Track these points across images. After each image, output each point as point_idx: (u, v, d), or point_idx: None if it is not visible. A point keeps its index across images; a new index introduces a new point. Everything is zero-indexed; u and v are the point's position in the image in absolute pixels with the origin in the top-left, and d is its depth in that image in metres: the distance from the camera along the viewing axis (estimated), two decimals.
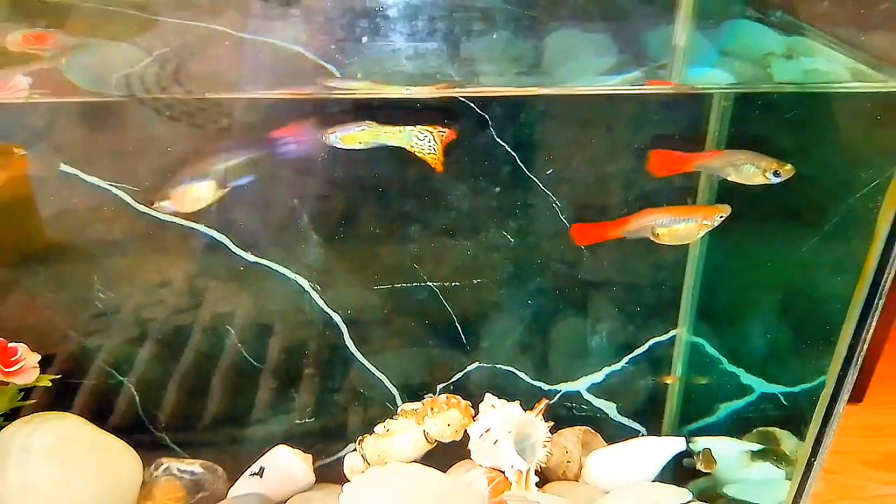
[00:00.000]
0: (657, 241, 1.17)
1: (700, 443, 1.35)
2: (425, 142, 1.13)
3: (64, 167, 1.22)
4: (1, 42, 1.16)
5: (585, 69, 1.23)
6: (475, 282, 1.35)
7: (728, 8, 1.29)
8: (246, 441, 1.45)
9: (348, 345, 1.39)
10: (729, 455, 1.32)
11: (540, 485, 1.25)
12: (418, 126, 1.13)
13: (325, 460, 1.41)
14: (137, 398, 1.40)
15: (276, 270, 1.32)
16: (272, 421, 1.45)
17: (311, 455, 1.33)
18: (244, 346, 1.38)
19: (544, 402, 1.28)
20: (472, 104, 1.22)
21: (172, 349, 1.38)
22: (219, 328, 1.37)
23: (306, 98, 1.21)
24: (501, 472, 1.25)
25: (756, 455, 1.29)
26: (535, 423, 1.27)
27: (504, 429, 1.25)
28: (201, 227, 1.27)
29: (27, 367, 1.16)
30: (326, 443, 1.44)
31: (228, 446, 1.46)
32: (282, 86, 1.19)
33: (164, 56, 1.18)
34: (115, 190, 1.23)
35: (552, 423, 1.26)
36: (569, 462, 1.33)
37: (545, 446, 1.26)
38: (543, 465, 1.26)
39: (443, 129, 1.13)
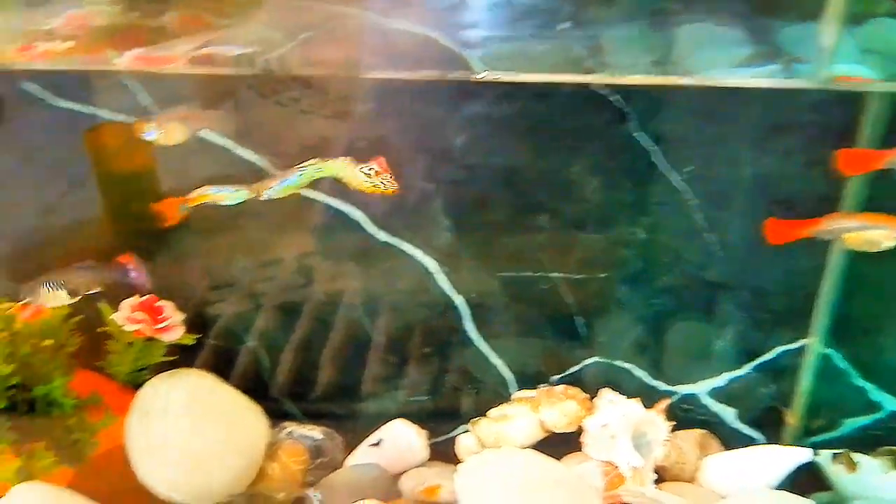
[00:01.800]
0: (846, 245, 1.17)
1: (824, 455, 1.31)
2: (372, 176, 1.12)
3: (212, 137, 1.29)
4: (161, 22, 1.25)
5: (718, 60, 1.21)
6: (600, 275, 1.35)
7: (873, 6, 1.24)
8: (360, 413, 1.50)
9: (468, 328, 1.41)
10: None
11: (656, 483, 1.24)
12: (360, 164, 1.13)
13: (436, 439, 1.44)
14: (265, 363, 1.46)
15: (406, 251, 1.35)
16: (387, 396, 1.49)
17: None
18: (368, 320, 1.42)
19: (666, 401, 1.28)
20: (609, 95, 1.22)
21: (301, 319, 1.43)
22: (346, 302, 1.42)
23: (447, 81, 1.24)
24: (615, 466, 1.25)
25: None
26: (654, 422, 1.26)
27: (622, 424, 1.24)
28: (339, 204, 1.31)
29: (174, 324, 1.23)
30: (437, 422, 1.45)
31: (343, 416, 1.50)
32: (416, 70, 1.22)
33: (305, 38, 1.23)
34: (259, 161, 1.29)
35: (674, 423, 1.25)
36: (684, 463, 1.31)
37: (664, 445, 1.25)
38: (659, 464, 1.25)
39: (372, 167, 1.12)
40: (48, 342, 1.15)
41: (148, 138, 1.15)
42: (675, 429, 1.34)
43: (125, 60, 1.20)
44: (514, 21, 1.21)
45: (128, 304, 1.21)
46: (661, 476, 1.31)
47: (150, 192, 1.35)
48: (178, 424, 1.21)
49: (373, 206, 1.32)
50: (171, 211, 1.17)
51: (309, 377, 1.49)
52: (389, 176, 1.11)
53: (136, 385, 1.28)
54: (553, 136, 1.26)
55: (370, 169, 1.11)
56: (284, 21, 1.27)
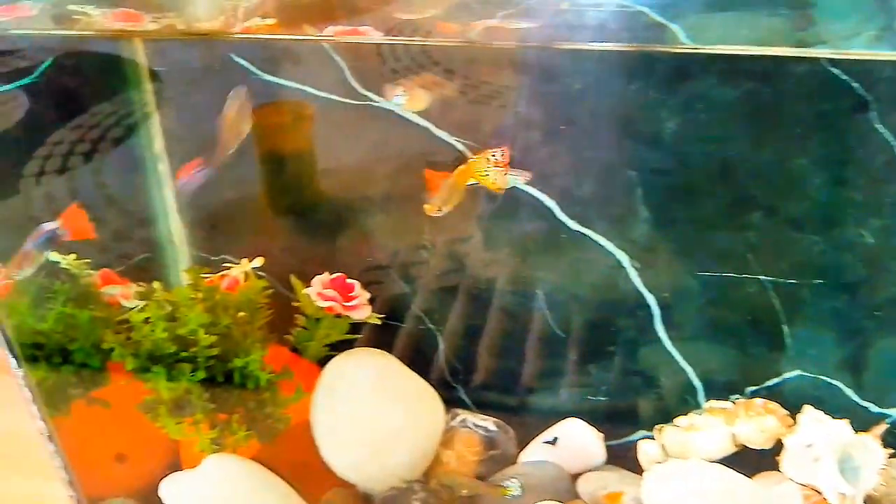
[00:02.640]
0: None
1: None
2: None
3: (419, 120, 1.26)
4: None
5: None
6: (816, 282, 1.22)
7: None
8: (533, 408, 1.45)
9: (657, 329, 1.32)
10: None
11: None
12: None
13: (610, 442, 1.36)
14: (438, 347, 1.43)
15: (597, 242, 1.28)
16: (563, 392, 1.42)
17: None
18: (550, 313, 1.36)
19: (884, 425, 1.15)
20: (851, 81, 1.08)
21: (481, 305, 1.39)
22: (529, 292, 1.36)
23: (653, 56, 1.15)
24: (816, 491, 1.14)
25: None
26: (867, 446, 1.14)
27: (829, 447, 1.14)
28: (532, 190, 1.26)
29: (362, 303, 1.22)
30: (613, 424, 1.38)
31: (513, 409, 1.45)
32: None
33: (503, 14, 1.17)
34: (457, 144, 1.25)
35: (893, 451, 1.12)
36: None
37: (878, 474, 1.13)
38: (869, 493, 1.13)
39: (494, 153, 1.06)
40: (244, 314, 1.16)
41: (397, 102, 1.15)
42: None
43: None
44: None
45: (319, 280, 1.22)
46: None
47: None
48: (363, 404, 1.21)
49: (566, 193, 1.26)
50: (432, 183, 1.12)
51: (481, 365, 1.45)
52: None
53: (317, 360, 1.29)
54: (778, 123, 1.14)
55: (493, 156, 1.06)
56: None
